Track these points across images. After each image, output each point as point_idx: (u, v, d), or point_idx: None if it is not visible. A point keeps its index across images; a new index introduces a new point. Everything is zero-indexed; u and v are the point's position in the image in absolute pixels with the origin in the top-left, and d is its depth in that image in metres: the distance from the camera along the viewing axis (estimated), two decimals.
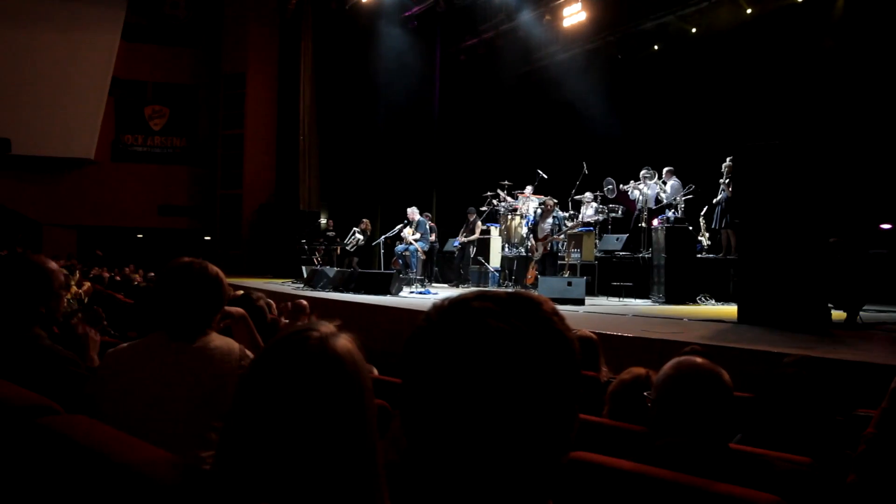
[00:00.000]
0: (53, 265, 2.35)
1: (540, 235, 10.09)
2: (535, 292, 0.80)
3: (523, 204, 11.10)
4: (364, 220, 13.06)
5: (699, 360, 1.81)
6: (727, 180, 9.45)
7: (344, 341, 1.01)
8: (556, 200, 10.38)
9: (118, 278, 10.03)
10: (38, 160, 17.11)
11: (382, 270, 11.16)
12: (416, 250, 11.53)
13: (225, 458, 0.95)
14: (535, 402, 0.72)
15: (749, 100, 10.64)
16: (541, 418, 0.73)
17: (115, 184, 18.50)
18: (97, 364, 2.49)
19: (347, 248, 12.83)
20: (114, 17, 17.46)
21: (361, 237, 12.78)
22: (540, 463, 0.74)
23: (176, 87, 19.35)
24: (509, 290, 0.80)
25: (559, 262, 10.12)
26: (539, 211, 10.59)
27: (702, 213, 10.08)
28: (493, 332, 0.73)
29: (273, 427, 0.93)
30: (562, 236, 9.90)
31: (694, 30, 11.86)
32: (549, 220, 10.07)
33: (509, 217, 11.05)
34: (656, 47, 12.52)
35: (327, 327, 1.03)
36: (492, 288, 10.38)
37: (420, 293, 10.68)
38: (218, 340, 2.01)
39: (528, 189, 11.29)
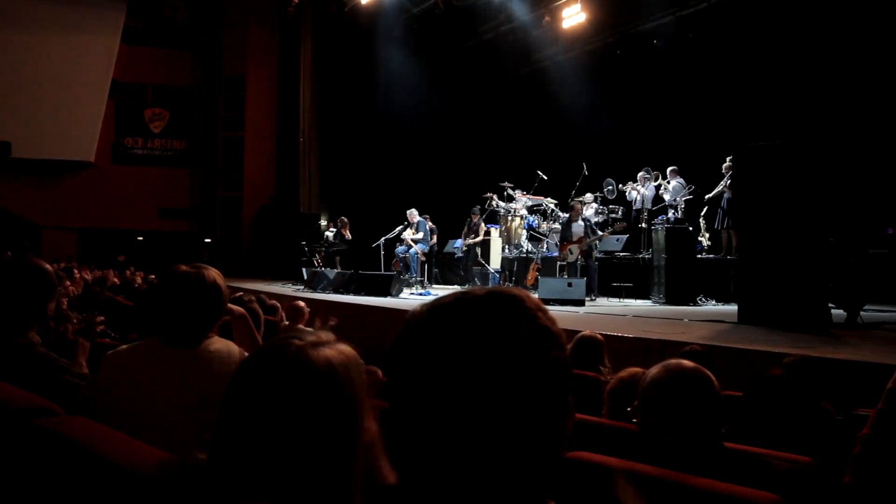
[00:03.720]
0: (48, 266, 2.33)
1: (574, 238, 9.86)
2: (516, 288, 0.79)
3: (522, 205, 11.11)
4: (342, 218, 13.15)
5: (686, 362, 1.82)
6: (728, 181, 9.46)
7: (327, 351, 0.99)
8: (584, 202, 10.24)
9: (117, 280, 10.03)
10: (38, 163, 17.12)
11: (383, 272, 11.16)
12: (417, 252, 11.54)
13: (213, 458, 0.96)
14: (527, 401, 0.71)
15: (749, 100, 10.63)
16: (533, 418, 0.71)
17: (115, 186, 18.50)
18: (86, 370, 2.48)
19: (331, 250, 12.91)
20: (114, 19, 17.47)
21: (330, 234, 12.90)
22: (535, 462, 0.72)
23: (176, 90, 19.36)
24: (488, 288, 0.79)
25: (559, 262, 10.11)
26: (566, 215, 10.49)
27: (702, 214, 10.09)
28: (479, 338, 0.71)
29: (248, 431, 0.94)
30: (597, 240, 9.80)
31: (692, 32, 11.87)
32: (580, 223, 9.86)
33: (509, 218, 11.05)
34: (655, 48, 12.52)
35: (312, 336, 1.01)
36: None
37: (420, 294, 10.69)
38: (218, 344, 2.01)
39: (518, 192, 11.30)
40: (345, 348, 1.02)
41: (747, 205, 6.54)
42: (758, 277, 6.21)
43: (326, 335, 1.03)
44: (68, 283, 5.62)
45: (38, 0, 16.50)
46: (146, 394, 1.86)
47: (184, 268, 2.04)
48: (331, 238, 12.94)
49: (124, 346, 2.05)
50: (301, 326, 5.06)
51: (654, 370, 1.81)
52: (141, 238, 19.20)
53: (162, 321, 1.98)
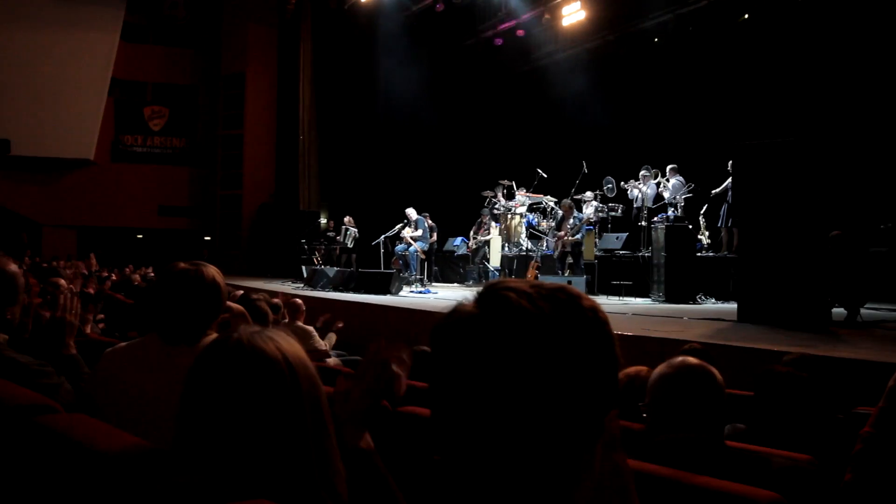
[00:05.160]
0: (15, 268, 2.24)
1: (560, 234, 10.09)
2: (576, 289, 0.81)
3: (521, 203, 11.13)
4: (347, 217, 13.14)
5: (691, 359, 1.82)
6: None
7: (271, 342, 1.05)
8: (570, 203, 10.36)
9: (115, 277, 10.02)
10: (37, 161, 17.11)
11: (383, 270, 11.16)
12: (416, 250, 11.54)
13: (176, 444, 1.03)
14: (557, 393, 0.72)
15: (749, 98, 10.63)
16: (554, 414, 0.73)
17: (114, 184, 18.49)
18: (73, 350, 2.46)
19: (348, 245, 12.84)
20: (113, 17, 17.45)
21: (356, 230, 12.86)
22: (573, 446, 0.74)
23: (175, 88, 19.35)
24: (556, 283, 0.81)
25: (568, 261, 10.16)
26: (558, 212, 10.62)
27: (702, 212, 10.09)
28: (514, 311, 0.73)
29: (200, 417, 1.01)
30: (578, 236, 9.91)
31: (691, 31, 11.86)
32: (571, 220, 10.03)
33: (509, 216, 11.06)
34: (656, 46, 12.52)
35: (252, 328, 1.08)
36: None
37: (420, 293, 10.69)
38: None
39: (521, 190, 11.34)
40: (282, 340, 1.08)
41: (746, 203, 6.54)
42: (757, 275, 6.21)
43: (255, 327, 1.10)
44: (63, 281, 5.59)
45: None
46: (145, 391, 1.86)
47: (182, 265, 2.03)
48: (356, 235, 12.81)
49: (123, 344, 2.05)
50: (299, 323, 5.06)
51: (661, 367, 1.81)
52: (140, 236, 19.20)
53: (161, 319, 1.98)
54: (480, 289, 0.79)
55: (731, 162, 9.45)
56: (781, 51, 10.34)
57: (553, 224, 10.79)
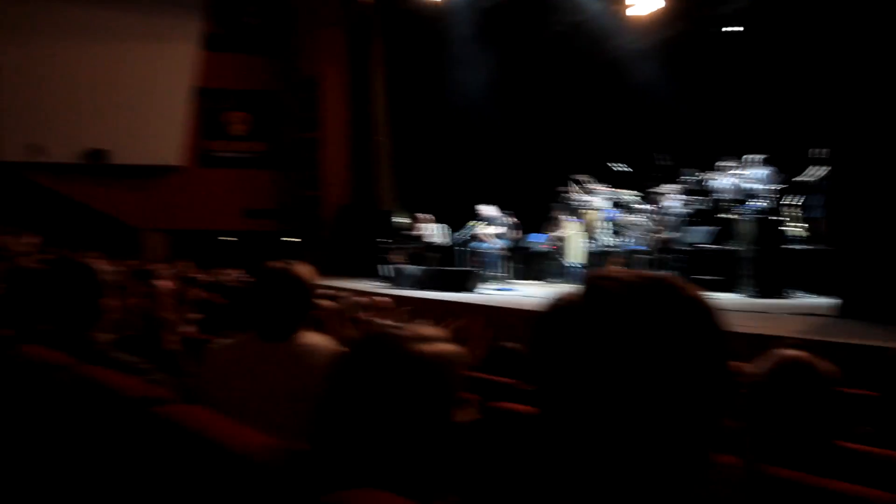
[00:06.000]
0: (95, 263, 2.29)
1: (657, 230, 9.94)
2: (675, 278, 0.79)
3: (600, 198, 10.98)
4: (428, 215, 13.18)
5: (797, 352, 1.74)
6: (824, 168, 8.98)
7: (430, 346, 1.03)
8: (657, 196, 10.17)
9: (209, 279, 10.44)
10: (132, 168, 18.14)
11: (461, 268, 11.22)
12: (494, 247, 11.52)
13: (314, 441, 1.02)
14: (667, 386, 0.70)
15: (844, 83, 10.04)
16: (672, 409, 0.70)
17: (202, 189, 19.29)
18: (173, 346, 2.53)
19: (442, 242, 12.88)
20: (192, 27, 18.33)
21: (448, 228, 12.89)
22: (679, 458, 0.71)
23: (255, 94, 20.03)
24: (652, 273, 0.79)
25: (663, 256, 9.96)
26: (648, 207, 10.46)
27: (792, 202, 9.65)
28: (617, 301, 0.72)
29: (350, 415, 0.99)
30: (671, 230, 9.69)
31: (771, 14, 11.32)
32: (660, 215, 9.84)
33: (587, 212, 10.92)
34: (736, 33, 12.04)
35: (414, 331, 1.06)
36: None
37: (498, 290, 10.67)
38: (308, 338, 2.06)
39: (599, 185, 11.19)
40: (446, 345, 1.06)
41: (845, 192, 6.22)
42: (862, 268, 5.90)
43: (433, 331, 1.05)
44: (162, 282, 5.85)
45: (124, 12, 17.46)
46: (241, 385, 1.93)
47: (274, 265, 2.11)
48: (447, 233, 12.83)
49: (226, 341, 2.13)
50: (391, 321, 5.13)
51: (760, 362, 1.74)
52: (232, 238, 19.94)
53: (255, 317, 2.05)
54: (584, 279, 0.78)
55: (821, 151, 8.98)
56: (876, 33, 9.68)
57: (634, 219, 10.57)
